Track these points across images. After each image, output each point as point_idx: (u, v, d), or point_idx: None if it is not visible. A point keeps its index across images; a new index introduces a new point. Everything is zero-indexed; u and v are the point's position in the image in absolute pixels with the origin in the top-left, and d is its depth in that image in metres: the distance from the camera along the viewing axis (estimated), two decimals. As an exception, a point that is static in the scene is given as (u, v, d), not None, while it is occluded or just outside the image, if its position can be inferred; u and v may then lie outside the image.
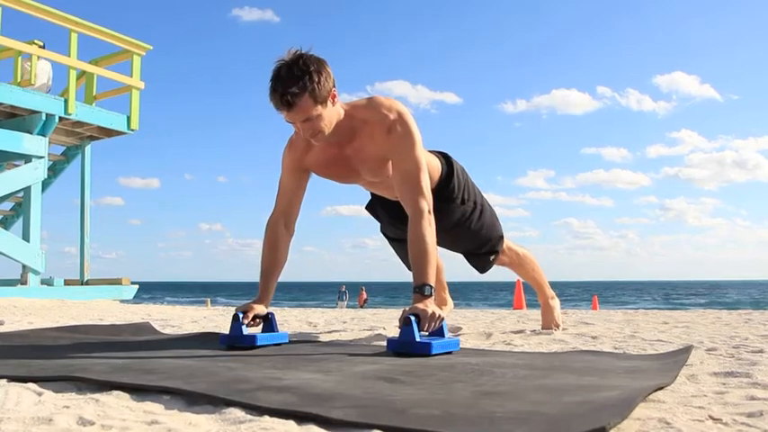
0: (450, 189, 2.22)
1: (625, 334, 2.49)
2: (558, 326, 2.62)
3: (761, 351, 1.84)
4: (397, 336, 1.75)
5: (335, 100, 1.86)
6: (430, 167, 2.07)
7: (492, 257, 2.41)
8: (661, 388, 1.24)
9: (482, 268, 2.48)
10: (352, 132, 1.94)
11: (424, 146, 2.00)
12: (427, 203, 1.89)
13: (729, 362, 1.65)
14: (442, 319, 1.77)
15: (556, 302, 2.64)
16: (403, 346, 1.70)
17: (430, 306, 1.75)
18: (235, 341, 1.89)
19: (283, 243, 2.09)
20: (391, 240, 2.49)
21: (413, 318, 1.70)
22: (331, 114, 1.86)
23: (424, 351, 1.67)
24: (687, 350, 1.78)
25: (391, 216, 2.34)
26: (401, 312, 1.78)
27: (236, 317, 1.93)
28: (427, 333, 1.76)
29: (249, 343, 1.87)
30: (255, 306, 2.00)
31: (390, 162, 1.97)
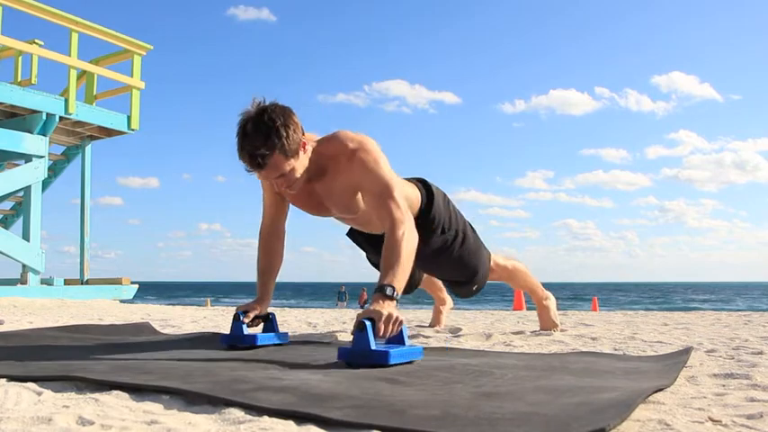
0: (431, 219, 2.15)
1: (625, 335, 2.49)
2: (556, 326, 2.62)
3: (761, 353, 1.84)
4: (350, 344, 1.55)
5: (306, 147, 1.80)
6: (408, 198, 2.02)
7: (474, 287, 2.37)
8: (661, 389, 1.24)
9: (465, 295, 2.46)
10: (320, 169, 1.90)
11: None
12: (406, 214, 1.80)
13: (729, 363, 1.65)
14: (401, 322, 1.60)
15: (551, 302, 2.63)
16: (356, 356, 1.50)
17: (387, 308, 1.58)
18: (236, 341, 1.89)
19: (277, 246, 2.09)
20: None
21: (368, 323, 1.51)
22: (303, 163, 1.81)
23: (380, 361, 1.47)
24: (687, 352, 1.78)
25: (373, 246, 2.28)
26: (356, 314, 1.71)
27: (236, 317, 1.93)
28: (384, 340, 1.58)
29: (250, 342, 1.88)
30: (256, 306, 2.01)
31: (360, 194, 1.92)
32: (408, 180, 2.18)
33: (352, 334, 1.55)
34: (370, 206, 1.91)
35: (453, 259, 2.25)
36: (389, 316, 1.55)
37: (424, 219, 2.14)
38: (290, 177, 1.79)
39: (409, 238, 1.74)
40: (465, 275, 2.32)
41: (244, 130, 1.73)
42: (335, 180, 1.90)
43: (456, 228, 2.24)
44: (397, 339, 1.59)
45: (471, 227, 2.34)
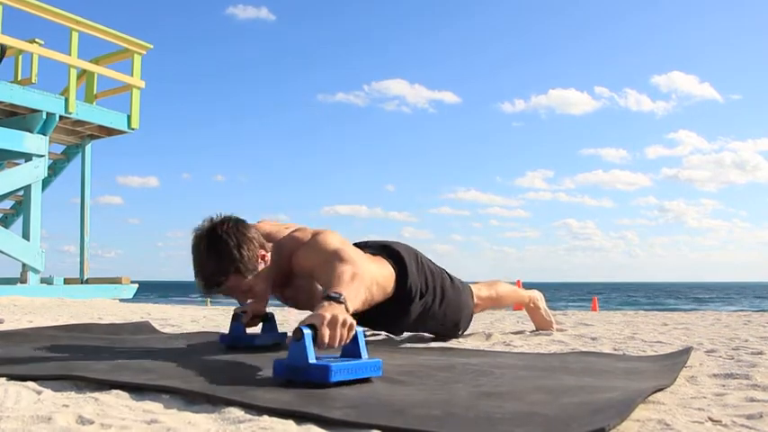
0: (408, 290, 2.06)
1: (625, 335, 2.49)
2: (551, 323, 2.60)
3: (760, 353, 1.84)
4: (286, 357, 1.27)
5: (266, 257, 1.74)
6: (383, 278, 1.96)
7: (460, 331, 2.35)
8: (660, 389, 1.24)
9: (451, 337, 2.43)
10: (284, 274, 1.84)
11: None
12: (356, 266, 1.59)
13: (729, 363, 1.65)
14: (353, 327, 1.31)
15: (539, 302, 2.62)
16: (292, 372, 1.23)
17: (333, 310, 1.31)
18: (235, 341, 1.89)
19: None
20: None
21: (307, 330, 1.25)
22: (265, 273, 1.75)
23: (318, 378, 1.20)
24: (687, 352, 1.78)
25: (381, 323, 2.21)
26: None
27: (235, 316, 1.92)
28: (337, 349, 1.31)
29: (249, 342, 1.88)
30: (255, 306, 2.00)
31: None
32: (374, 254, 2.05)
33: (287, 343, 1.26)
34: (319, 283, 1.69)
35: (437, 318, 2.21)
36: (334, 318, 1.28)
37: (402, 291, 2.06)
38: (252, 292, 1.75)
39: (358, 270, 1.56)
40: (450, 328, 2.29)
41: (197, 251, 1.67)
42: (299, 278, 1.82)
43: (434, 286, 2.15)
44: (353, 351, 1.32)
45: (447, 275, 2.27)
